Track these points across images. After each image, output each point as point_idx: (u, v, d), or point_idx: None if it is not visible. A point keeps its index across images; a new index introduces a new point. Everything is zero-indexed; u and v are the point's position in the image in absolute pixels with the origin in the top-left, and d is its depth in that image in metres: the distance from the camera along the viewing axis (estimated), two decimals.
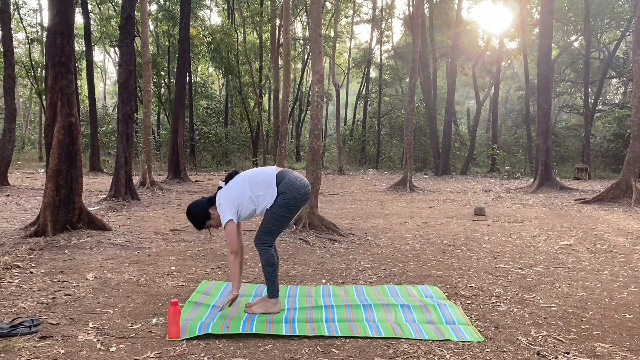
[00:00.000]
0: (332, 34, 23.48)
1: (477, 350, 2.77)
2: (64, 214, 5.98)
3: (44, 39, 23.14)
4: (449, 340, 2.89)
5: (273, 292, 3.29)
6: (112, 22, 24.68)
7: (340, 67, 33.62)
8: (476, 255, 5.32)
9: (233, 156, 25.13)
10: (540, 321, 3.23)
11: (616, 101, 25.94)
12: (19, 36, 28.28)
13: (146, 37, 13.43)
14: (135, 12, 11.00)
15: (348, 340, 2.89)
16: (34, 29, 27.51)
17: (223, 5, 31.78)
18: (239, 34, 25.80)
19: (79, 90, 23.55)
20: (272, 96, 26.77)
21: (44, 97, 22.23)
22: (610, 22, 24.37)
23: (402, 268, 4.73)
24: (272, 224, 3.21)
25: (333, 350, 2.74)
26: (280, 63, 22.60)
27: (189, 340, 2.82)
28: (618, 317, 3.34)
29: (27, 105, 35.22)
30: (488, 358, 2.66)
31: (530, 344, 2.84)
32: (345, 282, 4.22)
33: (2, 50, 13.21)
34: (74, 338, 2.81)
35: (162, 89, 27.92)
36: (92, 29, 21.34)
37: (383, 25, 29.16)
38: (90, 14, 22.76)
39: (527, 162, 22.83)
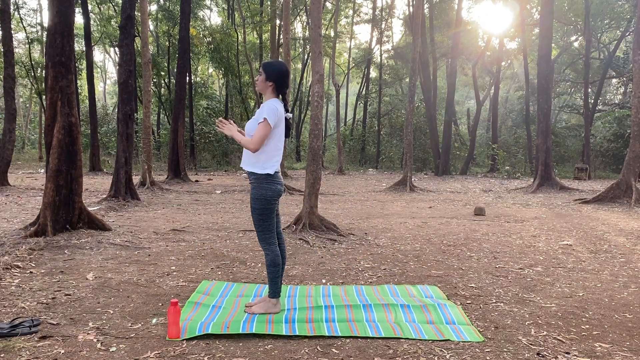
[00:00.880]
0: (332, 34, 23.48)
1: (477, 350, 2.77)
2: (64, 214, 5.98)
3: (44, 39, 23.13)
4: (449, 340, 2.90)
5: (275, 293, 3.29)
6: (112, 22, 24.69)
7: (340, 67, 33.62)
8: (476, 255, 5.32)
9: (233, 156, 25.10)
10: (540, 321, 3.23)
11: (616, 101, 25.95)
12: (19, 36, 28.31)
13: (146, 37, 13.43)
14: (135, 12, 11.00)
15: (348, 340, 2.89)
16: (34, 29, 27.53)
17: (223, 5, 31.79)
18: (239, 34, 25.82)
19: (79, 90, 23.56)
20: None
21: (44, 97, 22.23)
22: (610, 22, 24.37)
23: (402, 268, 4.73)
24: (256, 220, 3.23)
25: (333, 350, 2.74)
26: None
27: (189, 340, 2.82)
28: (618, 317, 3.34)
29: (27, 105, 35.22)
30: (488, 358, 2.66)
31: (530, 344, 2.84)
32: (345, 282, 4.22)
33: (2, 50, 13.21)
34: (74, 338, 2.81)
35: (162, 89, 27.92)
36: (92, 29, 21.34)
37: (383, 25, 29.17)
38: (90, 14, 22.76)
39: (527, 162, 22.83)
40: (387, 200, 11.40)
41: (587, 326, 3.15)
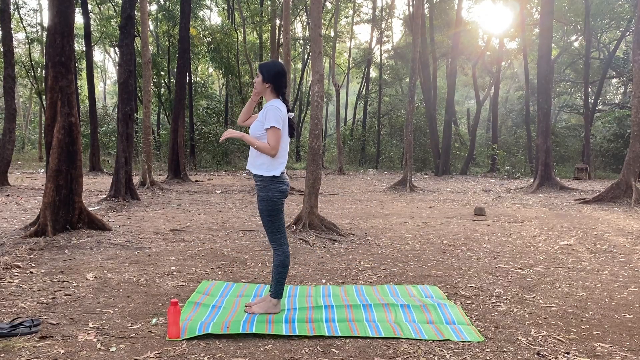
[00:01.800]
0: (332, 34, 23.48)
1: (477, 350, 2.77)
2: (64, 214, 5.98)
3: (44, 39, 23.12)
4: (449, 340, 2.90)
5: (278, 293, 3.29)
6: (112, 22, 24.68)
7: (340, 67, 33.62)
8: (476, 255, 5.32)
9: (233, 156, 25.10)
10: (540, 321, 3.23)
11: (616, 101, 25.95)
12: (19, 36, 28.29)
13: (146, 37, 13.43)
14: (135, 12, 11.00)
15: (348, 340, 2.89)
16: (34, 29, 27.52)
17: (223, 5, 31.78)
18: (239, 34, 25.82)
19: (79, 90, 23.55)
20: None
21: (44, 97, 22.23)
22: (610, 22, 24.37)
23: (402, 268, 4.73)
24: (265, 222, 3.24)
25: (333, 350, 2.74)
26: None
27: (189, 340, 2.82)
28: (618, 317, 3.34)
29: (27, 105, 35.22)
30: (488, 358, 2.66)
31: (530, 344, 2.84)
32: (345, 282, 4.22)
33: (2, 50, 13.21)
34: (74, 338, 2.81)
35: (162, 89, 27.92)
36: (92, 29, 21.34)
37: (383, 25, 29.17)
38: (90, 14, 22.77)
39: (527, 162, 22.83)
40: (387, 200, 11.40)
41: (587, 326, 3.15)
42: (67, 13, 6.08)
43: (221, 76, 30.79)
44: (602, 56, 25.75)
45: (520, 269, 4.73)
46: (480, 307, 3.52)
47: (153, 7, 26.91)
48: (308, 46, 27.37)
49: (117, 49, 25.17)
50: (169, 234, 6.33)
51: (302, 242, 5.85)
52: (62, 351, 2.64)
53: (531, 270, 4.66)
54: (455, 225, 7.56)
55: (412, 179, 14.58)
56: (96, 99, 21.02)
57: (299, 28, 33.04)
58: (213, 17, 36.93)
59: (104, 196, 9.90)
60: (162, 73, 26.94)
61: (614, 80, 27.43)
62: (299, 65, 32.39)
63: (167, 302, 3.47)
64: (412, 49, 15.30)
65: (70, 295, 3.61)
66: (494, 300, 3.68)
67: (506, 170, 20.56)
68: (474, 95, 27.89)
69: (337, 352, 2.72)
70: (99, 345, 2.73)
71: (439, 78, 27.90)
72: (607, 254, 5.47)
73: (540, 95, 15.03)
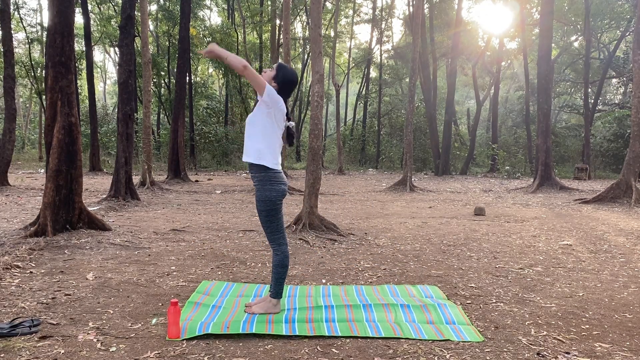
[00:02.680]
0: (332, 34, 23.48)
1: (477, 350, 2.77)
2: (64, 214, 5.98)
3: (44, 39, 23.14)
4: (449, 340, 2.90)
5: (277, 293, 3.28)
6: (112, 22, 24.68)
7: (340, 67, 33.63)
8: (476, 255, 5.32)
9: (233, 156, 25.12)
10: (540, 321, 3.23)
11: (616, 101, 25.96)
12: (19, 36, 28.30)
13: (146, 37, 13.43)
14: (135, 12, 11.00)
15: (348, 340, 2.89)
16: (34, 29, 27.53)
17: (223, 5, 31.79)
18: (239, 34, 25.82)
19: (79, 90, 23.57)
20: None
21: (44, 97, 22.23)
22: (610, 22, 24.37)
23: (402, 268, 4.73)
24: (264, 222, 3.23)
25: (333, 350, 2.74)
26: None
27: (189, 340, 2.82)
28: (618, 317, 3.34)
29: (27, 105, 35.22)
30: (488, 358, 2.66)
31: (530, 344, 2.84)
32: (345, 282, 4.22)
33: (2, 50, 13.21)
34: (74, 338, 2.81)
35: (162, 89, 27.92)
36: (92, 29, 21.34)
37: (383, 25, 29.19)
38: (90, 14, 22.77)
39: (527, 162, 22.83)
40: (387, 200, 11.40)
41: (587, 326, 3.15)
42: (67, 13, 6.08)
43: (221, 76, 30.78)
44: (602, 56, 25.75)
45: (520, 269, 4.73)
46: (480, 307, 3.52)
47: (153, 7, 26.91)
48: (308, 46, 27.36)
49: (117, 49, 25.16)
50: (169, 234, 6.33)
51: (302, 242, 5.85)
52: (62, 351, 2.64)
53: (531, 270, 4.66)
54: (455, 225, 7.56)
55: (412, 179, 14.58)
56: (96, 99, 21.03)
57: (299, 28, 33.06)
58: (213, 17, 36.98)
59: (104, 196, 9.90)
60: (162, 73, 26.95)
61: (614, 80, 27.43)
62: (299, 65, 32.39)
63: (167, 302, 3.48)
64: (412, 49, 15.30)
65: (70, 295, 3.61)
66: (494, 300, 3.68)
67: (506, 170, 20.56)
68: (474, 95, 27.90)
69: (337, 352, 2.72)
70: (99, 345, 2.73)
71: (439, 78, 27.91)
72: (607, 254, 5.47)
73: (540, 95, 15.03)
